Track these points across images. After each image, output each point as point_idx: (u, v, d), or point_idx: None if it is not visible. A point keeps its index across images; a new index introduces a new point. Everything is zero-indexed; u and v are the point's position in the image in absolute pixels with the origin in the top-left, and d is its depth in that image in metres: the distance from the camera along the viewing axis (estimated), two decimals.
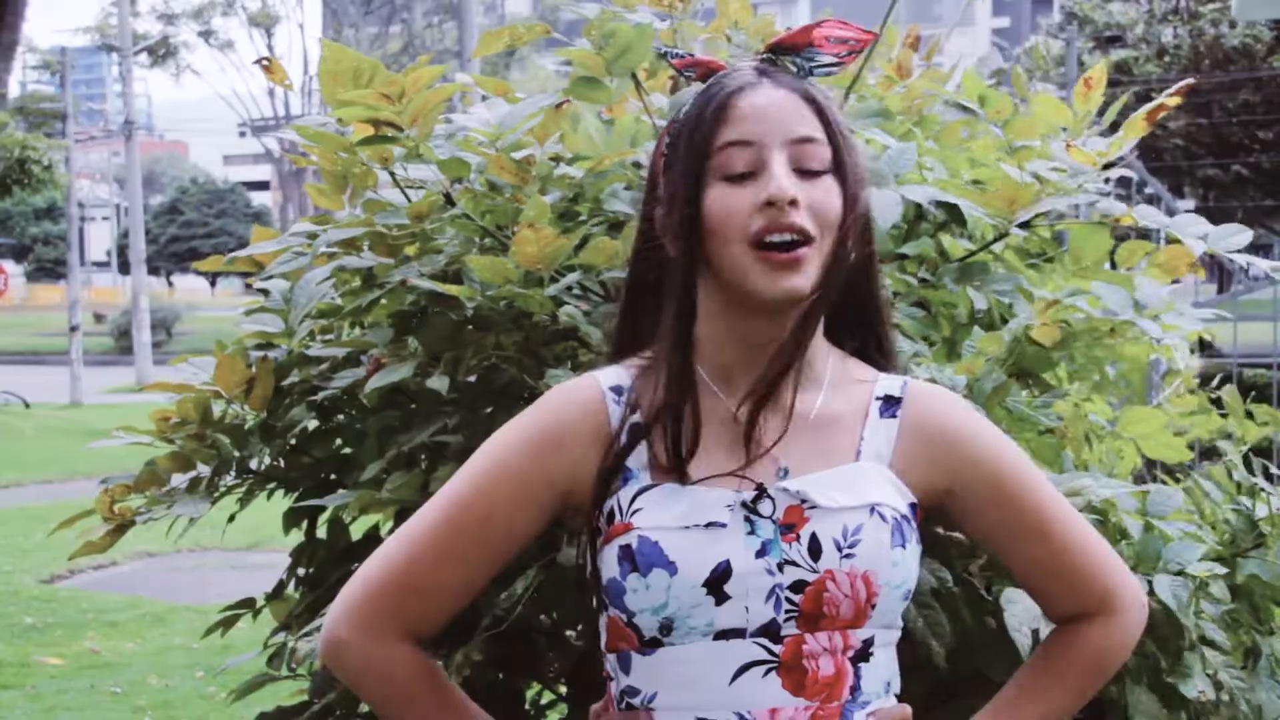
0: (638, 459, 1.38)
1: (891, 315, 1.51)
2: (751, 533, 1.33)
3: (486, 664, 1.93)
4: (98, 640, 6.56)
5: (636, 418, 1.39)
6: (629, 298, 1.47)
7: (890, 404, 1.43)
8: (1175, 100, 2.17)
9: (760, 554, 1.32)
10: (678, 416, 1.36)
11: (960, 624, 1.80)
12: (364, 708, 2.16)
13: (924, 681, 1.93)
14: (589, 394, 1.41)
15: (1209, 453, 2.70)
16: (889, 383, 1.45)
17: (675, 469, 1.36)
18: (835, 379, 1.43)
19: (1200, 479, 2.13)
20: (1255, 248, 2.16)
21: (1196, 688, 1.79)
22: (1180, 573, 1.83)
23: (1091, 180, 2.12)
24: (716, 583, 1.31)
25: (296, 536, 2.31)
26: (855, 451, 1.40)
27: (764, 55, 1.41)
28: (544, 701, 2.28)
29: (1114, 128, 2.29)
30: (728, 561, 1.31)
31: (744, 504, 1.34)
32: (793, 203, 1.31)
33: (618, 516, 1.35)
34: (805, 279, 1.33)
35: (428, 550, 1.40)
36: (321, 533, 2.29)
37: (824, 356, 1.43)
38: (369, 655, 1.40)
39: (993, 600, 1.76)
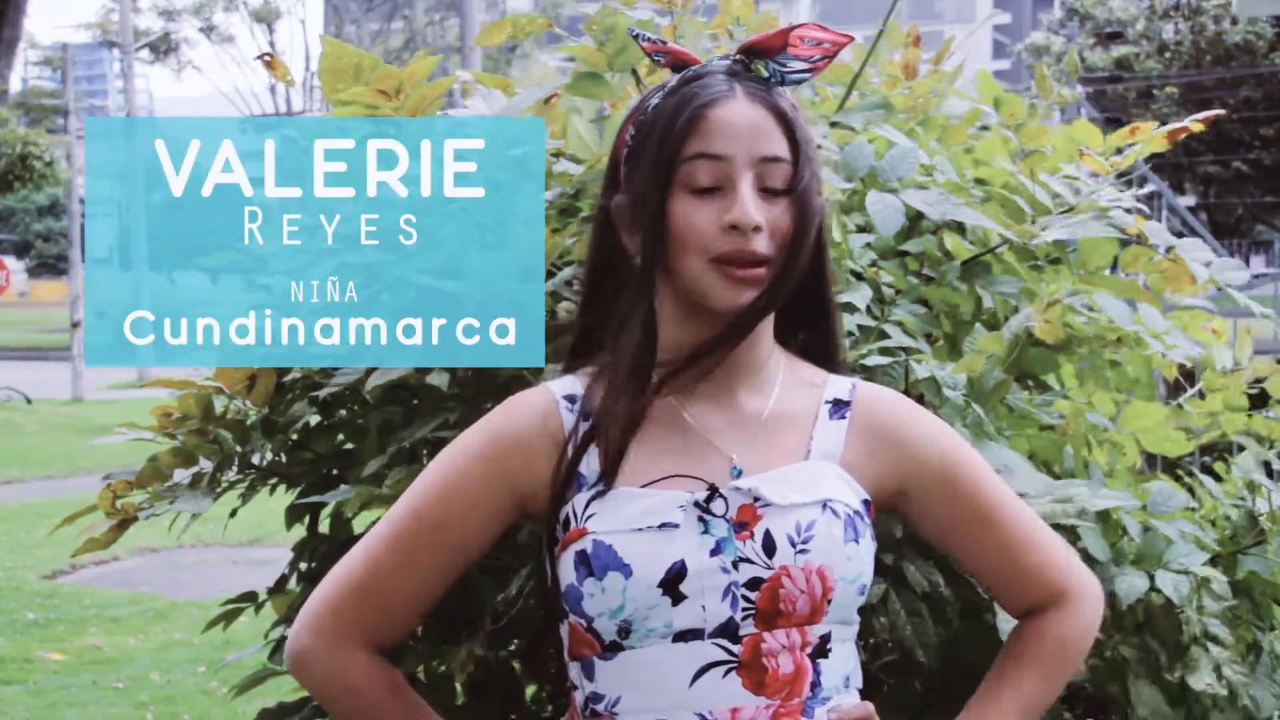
0: (590, 465, 1.39)
1: (839, 316, 1.54)
2: (705, 532, 1.34)
3: (485, 660, 1.94)
4: (100, 636, 6.57)
5: (589, 425, 1.41)
6: (586, 307, 1.48)
7: (839, 406, 1.45)
8: (1199, 126, 2.17)
9: (715, 552, 1.33)
10: (628, 420, 1.37)
11: (948, 628, 1.82)
12: None
13: (921, 682, 1.94)
14: (543, 403, 1.43)
15: (1209, 449, 2.70)
16: (838, 386, 1.47)
17: (608, 470, 1.37)
18: (786, 382, 1.45)
19: (1201, 475, 2.14)
20: (1256, 244, 2.18)
21: (1204, 680, 1.81)
22: (1183, 571, 1.84)
23: (1104, 195, 2.12)
24: (672, 583, 1.32)
25: (298, 531, 2.32)
26: (806, 451, 1.42)
27: (737, 57, 1.41)
28: (545, 696, 2.29)
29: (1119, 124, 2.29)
30: (682, 561, 1.32)
31: (697, 504, 1.35)
32: (756, 229, 1.33)
33: (573, 522, 1.37)
34: (760, 292, 1.36)
35: (386, 558, 1.42)
36: (324, 527, 2.29)
37: (775, 360, 1.45)
38: (332, 663, 1.42)
39: (990, 599, 1.77)
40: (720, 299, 1.35)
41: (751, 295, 1.35)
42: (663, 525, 1.34)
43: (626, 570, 1.32)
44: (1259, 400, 2.30)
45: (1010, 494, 1.49)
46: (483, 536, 1.43)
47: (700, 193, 1.35)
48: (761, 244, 1.34)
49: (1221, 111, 2.42)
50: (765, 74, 1.40)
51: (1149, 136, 2.18)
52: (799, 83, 1.41)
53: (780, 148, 1.36)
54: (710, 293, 1.36)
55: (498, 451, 1.42)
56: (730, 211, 1.33)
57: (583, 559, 1.34)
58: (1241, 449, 2.22)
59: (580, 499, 1.37)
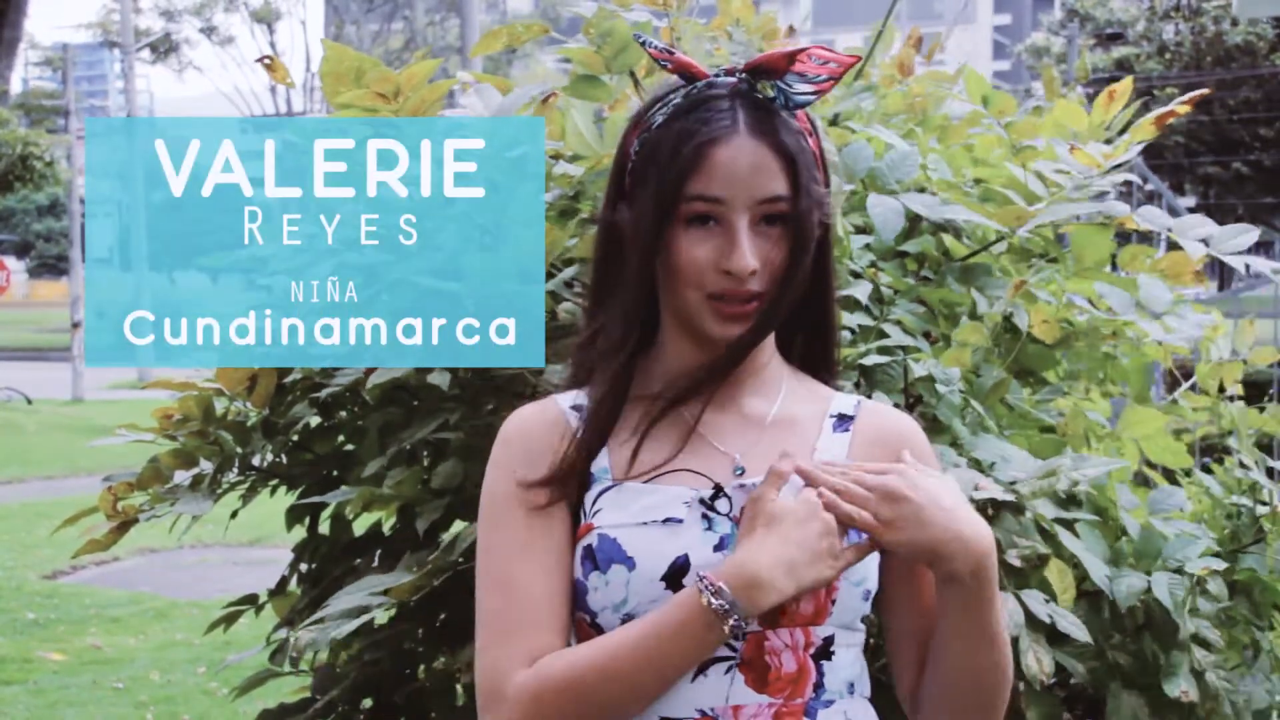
0: (600, 464, 1.41)
1: (837, 325, 1.54)
2: (709, 529, 1.35)
3: None
4: (100, 636, 6.57)
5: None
6: (592, 316, 1.47)
7: (844, 420, 1.46)
8: (1185, 108, 2.17)
9: (718, 548, 1.34)
10: (602, 412, 1.40)
11: None
12: (366, 704, 2.17)
13: None
14: (552, 413, 1.44)
15: (1208, 450, 2.71)
16: (844, 402, 1.49)
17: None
18: (790, 390, 1.47)
19: (1202, 476, 2.14)
20: (1256, 245, 2.17)
21: (1179, 687, 1.81)
22: (1179, 570, 1.84)
23: (1096, 183, 2.12)
24: (674, 577, 1.32)
25: (299, 532, 2.32)
26: (810, 455, 1.42)
27: (742, 76, 1.41)
28: None
29: (1122, 130, 2.29)
30: (686, 556, 1.33)
31: (701, 501, 1.36)
32: (752, 273, 1.35)
33: (583, 519, 1.38)
34: (748, 327, 1.39)
35: (510, 605, 1.36)
36: (324, 529, 2.29)
37: (777, 365, 1.47)
38: (533, 678, 1.32)
39: None
40: (713, 331, 1.38)
41: (740, 330, 1.38)
42: (667, 520, 1.35)
43: (630, 563, 1.33)
44: (1256, 400, 2.30)
45: None
46: (566, 534, 1.39)
47: (699, 225, 1.37)
48: (755, 283, 1.36)
49: (1207, 91, 2.43)
50: (771, 94, 1.40)
51: (1139, 124, 2.17)
52: (804, 105, 1.41)
53: (779, 186, 1.37)
54: (703, 325, 1.39)
55: (529, 461, 1.41)
56: (727, 258, 1.35)
57: (589, 553, 1.35)
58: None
59: (589, 496, 1.39)
